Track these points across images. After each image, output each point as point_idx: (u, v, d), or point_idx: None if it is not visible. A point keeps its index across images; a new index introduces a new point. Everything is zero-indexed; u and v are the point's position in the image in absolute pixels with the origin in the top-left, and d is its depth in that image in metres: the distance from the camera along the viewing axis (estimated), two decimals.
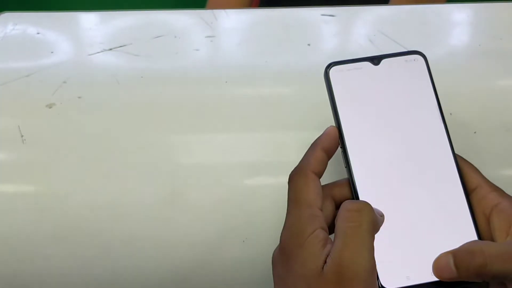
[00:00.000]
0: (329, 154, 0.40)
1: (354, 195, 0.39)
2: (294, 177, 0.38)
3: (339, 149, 0.40)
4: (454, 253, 0.35)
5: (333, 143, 0.40)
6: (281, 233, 0.38)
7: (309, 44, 0.62)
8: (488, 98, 0.54)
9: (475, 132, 0.52)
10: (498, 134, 0.52)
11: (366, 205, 0.36)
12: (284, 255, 0.37)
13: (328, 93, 0.41)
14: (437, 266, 0.35)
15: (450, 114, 0.51)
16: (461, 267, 0.34)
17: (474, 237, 0.38)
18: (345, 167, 0.40)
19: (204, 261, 0.51)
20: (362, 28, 0.65)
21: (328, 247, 0.35)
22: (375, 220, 0.36)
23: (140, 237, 0.51)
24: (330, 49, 0.63)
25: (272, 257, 0.39)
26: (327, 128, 0.40)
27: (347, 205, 0.36)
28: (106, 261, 0.52)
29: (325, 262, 0.35)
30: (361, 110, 0.40)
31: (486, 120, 0.53)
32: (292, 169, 0.39)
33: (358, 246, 0.34)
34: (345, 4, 0.69)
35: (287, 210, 0.38)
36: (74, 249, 0.51)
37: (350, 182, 0.39)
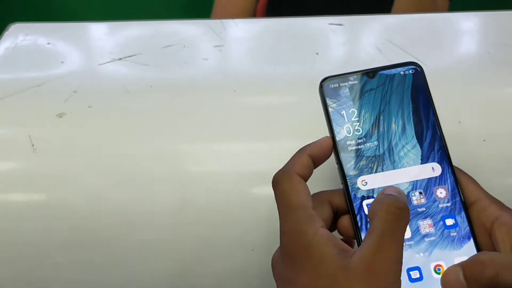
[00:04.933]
0: (316, 163, 0.39)
1: (350, 212, 0.39)
2: (280, 181, 0.38)
3: (335, 165, 0.40)
4: (463, 266, 0.34)
5: (323, 153, 0.39)
6: (281, 239, 0.37)
7: (317, 53, 0.62)
8: (497, 106, 0.54)
9: (484, 140, 0.52)
10: (507, 142, 0.52)
11: (406, 206, 0.36)
12: (290, 259, 0.36)
13: (323, 108, 0.41)
14: (446, 281, 0.34)
15: (459, 122, 0.51)
16: (472, 279, 0.33)
17: (473, 250, 0.38)
18: (341, 184, 0.39)
19: (213, 270, 0.51)
20: (370, 37, 0.65)
21: (338, 244, 0.35)
22: (409, 220, 0.36)
23: (149, 245, 0.51)
24: (338, 58, 0.64)
25: (272, 263, 0.38)
26: (322, 138, 0.40)
27: (391, 201, 0.35)
28: (115, 268, 0.52)
29: (345, 257, 0.34)
30: (356, 124, 0.40)
31: (495, 128, 0.53)
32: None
33: (393, 245, 0.34)
34: (349, 13, 0.69)
35: (280, 214, 0.37)
36: (84, 257, 0.52)
37: (346, 199, 0.39)
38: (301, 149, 0.40)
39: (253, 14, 1.18)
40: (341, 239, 0.37)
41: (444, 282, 0.35)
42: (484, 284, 0.33)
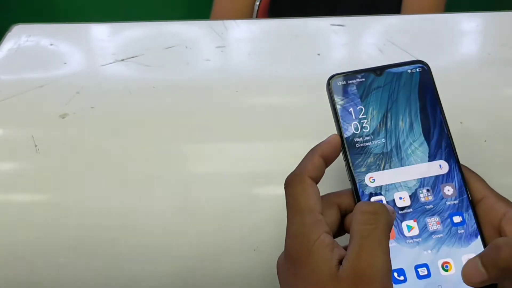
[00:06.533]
0: (328, 162, 0.39)
1: None
2: (292, 183, 0.38)
3: (343, 162, 0.40)
4: (481, 255, 0.34)
5: (333, 151, 0.39)
6: (285, 241, 0.37)
7: (319, 54, 0.62)
8: (498, 106, 0.54)
9: (485, 141, 0.52)
10: (508, 142, 0.52)
11: (382, 206, 0.36)
12: (292, 263, 0.36)
13: (330, 105, 0.41)
14: (466, 273, 0.35)
15: (461, 122, 0.52)
16: (489, 265, 0.33)
17: (481, 247, 0.38)
18: (349, 180, 0.39)
19: (214, 270, 0.51)
20: (372, 37, 0.65)
21: (337, 251, 0.35)
22: (390, 221, 0.36)
23: (152, 246, 0.51)
24: (340, 58, 0.64)
25: (277, 265, 0.38)
26: (329, 136, 0.40)
27: (362, 207, 0.36)
28: (118, 269, 0.52)
29: (338, 265, 0.34)
30: (364, 121, 0.40)
31: (496, 129, 0.53)
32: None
33: (375, 249, 0.34)
34: (351, 14, 0.69)
35: (288, 217, 0.38)
36: (87, 257, 0.52)
37: (354, 196, 0.39)
38: (311, 150, 0.40)
39: (253, 14, 1.18)
40: (345, 247, 0.37)
41: (464, 274, 0.35)
42: (501, 267, 0.33)
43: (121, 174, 0.52)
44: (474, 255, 0.36)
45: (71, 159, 0.53)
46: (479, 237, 0.38)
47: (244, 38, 0.66)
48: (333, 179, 0.43)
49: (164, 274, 0.52)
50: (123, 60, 0.62)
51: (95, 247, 0.51)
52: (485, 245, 0.38)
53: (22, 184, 0.52)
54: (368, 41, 0.64)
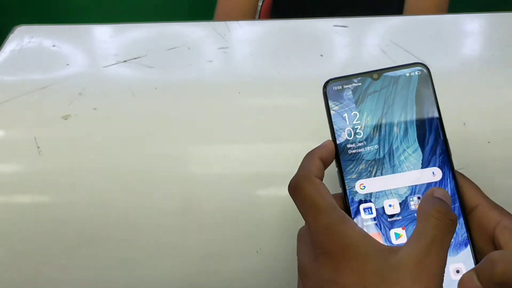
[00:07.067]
0: (326, 165, 0.39)
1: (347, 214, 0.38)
2: (302, 185, 0.38)
3: (335, 168, 0.40)
4: (476, 269, 0.34)
5: (330, 155, 0.39)
6: (315, 238, 0.37)
7: (321, 55, 0.62)
8: (502, 107, 0.54)
9: (489, 142, 0.52)
10: None
11: (457, 219, 0.36)
12: (328, 258, 0.36)
13: (326, 110, 0.40)
14: (462, 286, 0.34)
15: (464, 124, 0.51)
16: (485, 279, 0.33)
17: (470, 256, 0.37)
18: (340, 186, 0.39)
19: (218, 272, 0.51)
20: (375, 38, 0.65)
21: (377, 241, 0.35)
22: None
23: (154, 247, 0.52)
24: (343, 59, 0.63)
25: (303, 265, 0.38)
26: (325, 141, 0.40)
27: (447, 211, 0.35)
28: (121, 270, 0.52)
29: (393, 254, 0.34)
30: (358, 127, 0.40)
31: (500, 130, 0.53)
32: None
33: (444, 251, 0.34)
34: (354, 15, 0.69)
35: (308, 218, 0.37)
36: (90, 258, 0.52)
37: (344, 202, 0.39)
38: (310, 153, 0.40)
39: (256, 14, 1.18)
40: None
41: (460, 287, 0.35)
42: (497, 282, 0.33)
43: (124, 175, 0.52)
44: (462, 264, 0.37)
45: (73, 161, 0.53)
46: (468, 246, 0.37)
47: (247, 39, 0.66)
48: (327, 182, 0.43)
49: (166, 276, 0.52)
50: (125, 61, 0.62)
51: (98, 248, 0.52)
52: (475, 254, 0.37)
53: (25, 186, 0.52)
54: (371, 42, 0.64)
